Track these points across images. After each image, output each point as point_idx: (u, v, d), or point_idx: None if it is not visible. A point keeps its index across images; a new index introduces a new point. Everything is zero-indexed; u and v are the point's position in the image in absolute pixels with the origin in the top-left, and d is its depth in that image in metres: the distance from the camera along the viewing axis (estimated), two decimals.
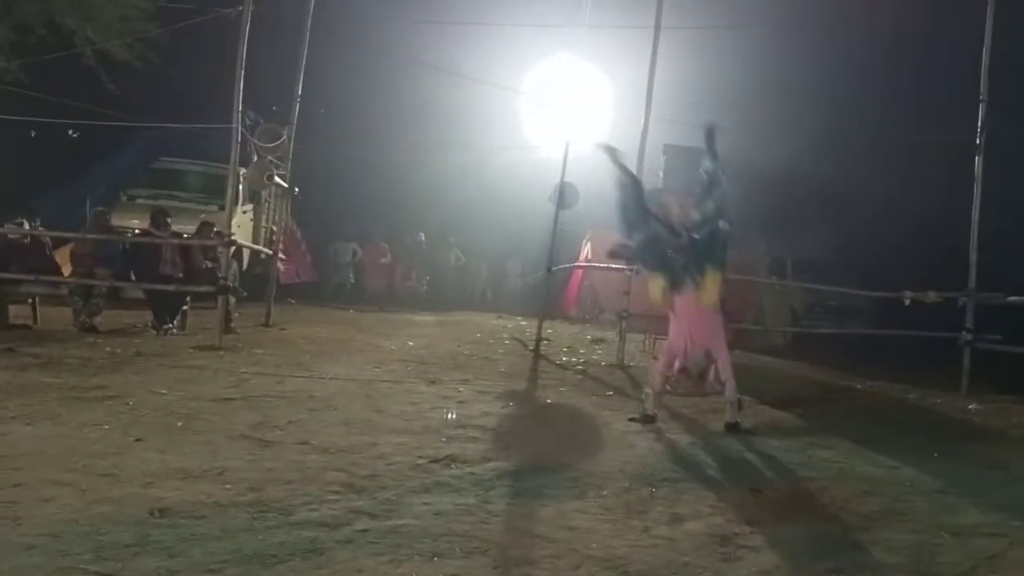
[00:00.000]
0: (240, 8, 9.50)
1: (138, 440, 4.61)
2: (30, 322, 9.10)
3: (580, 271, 15.98)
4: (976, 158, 9.62)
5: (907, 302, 9.67)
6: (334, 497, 3.84)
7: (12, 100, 12.82)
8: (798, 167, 14.56)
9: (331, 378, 7.07)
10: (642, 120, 9.64)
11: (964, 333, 9.31)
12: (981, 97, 9.67)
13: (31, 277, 8.83)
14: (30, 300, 9.30)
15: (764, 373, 9.38)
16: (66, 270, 9.59)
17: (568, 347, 10.82)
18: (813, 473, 4.95)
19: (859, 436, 6.12)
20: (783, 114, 15.87)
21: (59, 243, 10.30)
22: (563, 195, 11.46)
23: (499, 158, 18.88)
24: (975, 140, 9.65)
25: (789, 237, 14.13)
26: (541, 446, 5.31)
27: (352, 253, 18.64)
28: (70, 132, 13.80)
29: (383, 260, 18.69)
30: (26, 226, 9.74)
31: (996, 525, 4.11)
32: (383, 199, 19.96)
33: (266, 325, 10.75)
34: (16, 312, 9.29)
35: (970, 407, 8.03)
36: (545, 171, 14.10)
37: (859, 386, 9.07)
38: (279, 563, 3.02)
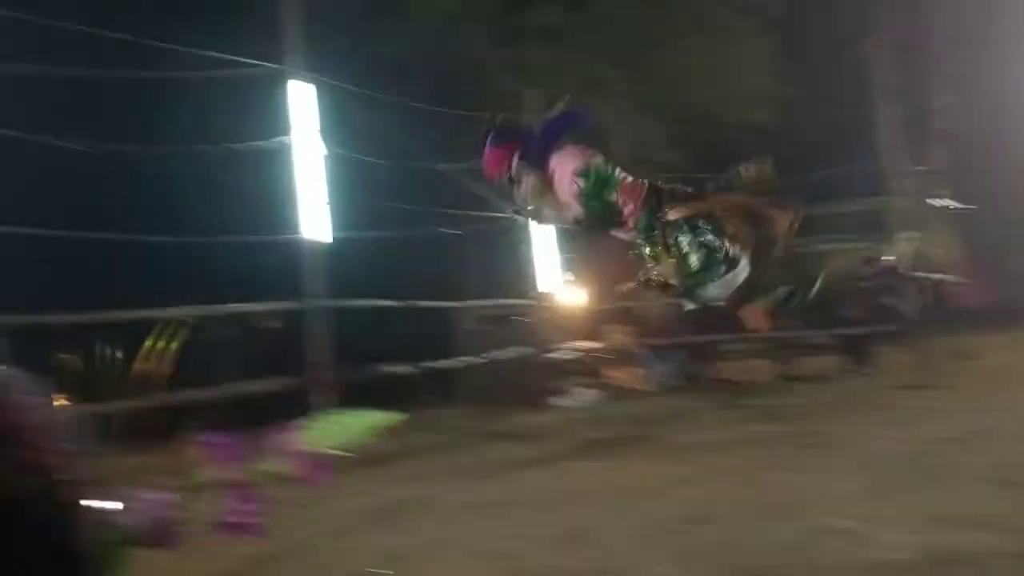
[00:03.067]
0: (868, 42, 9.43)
1: (881, 484, 4.71)
2: (737, 376, 10.18)
3: None
4: None
5: None
6: None
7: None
8: None
9: None
10: None
11: None
12: None
13: (732, 336, 9.92)
14: (728, 356, 10.43)
15: None
16: (760, 325, 10.50)
17: None
18: None
19: None
20: None
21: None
22: None
23: None
24: None
25: None
26: None
27: None
28: None
29: None
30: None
31: None
32: None
33: (958, 356, 10.06)
34: (721, 367, 10.49)
35: None
36: None
37: None
38: None
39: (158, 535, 1.43)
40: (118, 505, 1.27)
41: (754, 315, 9.89)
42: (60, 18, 6.93)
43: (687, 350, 9.91)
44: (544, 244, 10.79)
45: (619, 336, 10.55)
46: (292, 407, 7.19)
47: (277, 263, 8.61)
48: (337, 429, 1.83)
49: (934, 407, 6.89)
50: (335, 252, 8.43)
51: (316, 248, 7.97)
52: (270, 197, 8.52)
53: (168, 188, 9.67)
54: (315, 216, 8.01)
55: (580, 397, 9.25)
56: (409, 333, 9.15)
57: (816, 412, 7.25)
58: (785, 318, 10.01)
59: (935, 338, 10.63)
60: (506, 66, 13.92)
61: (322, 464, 1.69)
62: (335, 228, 8.42)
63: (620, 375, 10.19)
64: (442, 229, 10.50)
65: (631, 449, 6.52)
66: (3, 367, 1.02)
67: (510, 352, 9.43)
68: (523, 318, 10.13)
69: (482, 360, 9.11)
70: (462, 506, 4.90)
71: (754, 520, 4.31)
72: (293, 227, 8.03)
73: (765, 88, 15.24)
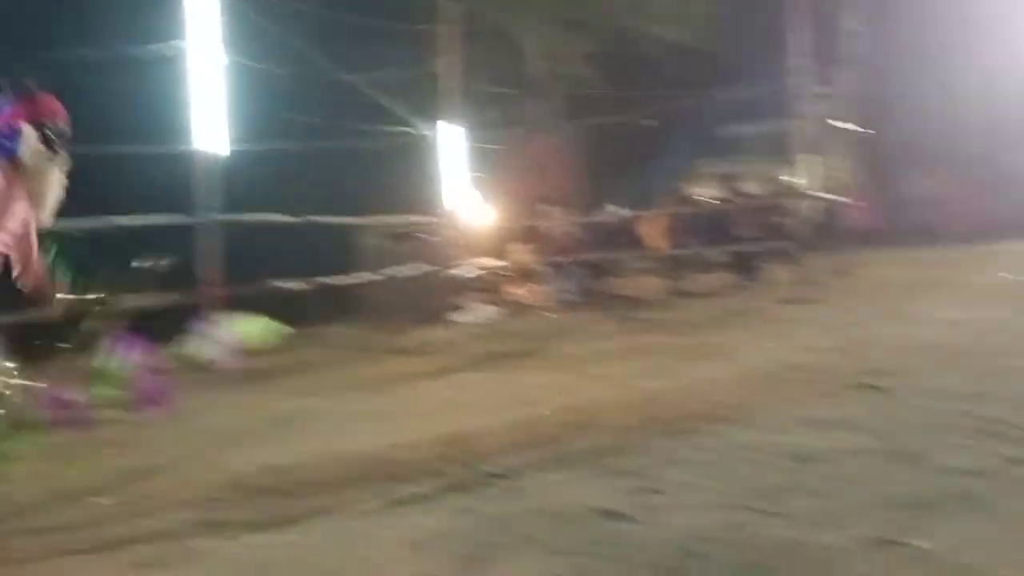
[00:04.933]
0: None
1: (759, 392, 4.89)
2: (633, 292, 10.40)
3: None
4: None
5: None
6: (972, 443, 3.59)
7: (596, 104, 14.75)
8: None
9: (927, 320, 6.62)
10: None
11: None
12: None
13: (628, 254, 10.11)
14: (626, 273, 10.65)
15: None
16: (659, 243, 10.72)
17: None
18: None
19: None
20: None
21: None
22: None
23: None
24: None
25: None
26: None
27: (927, 186, 16.97)
28: (645, 122, 15.31)
29: (954, 189, 16.55)
30: (616, 210, 11.16)
31: None
32: (955, 123, 17.74)
33: (845, 273, 10.51)
34: (619, 284, 10.70)
35: None
36: None
37: None
38: (933, 508, 2.93)
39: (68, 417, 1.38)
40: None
41: (651, 233, 10.08)
42: None
43: (587, 267, 10.04)
44: (451, 161, 10.64)
45: (522, 254, 10.60)
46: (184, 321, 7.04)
47: (170, 175, 8.24)
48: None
49: (812, 319, 7.21)
50: (233, 165, 8.13)
51: (210, 160, 7.64)
52: (164, 106, 8.09)
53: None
54: (211, 127, 7.63)
55: (480, 313, 9.30)
56: (307, 249, 8.95)
57: (702, 325, 7.50)
58: (683, 236, 10.28)
59: (823, 255, 11.09)
60: None
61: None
62: (234, 140, 8.08)
63: (522, 292, 10.28)
64: (345, 143, 10.22)
65: (522, 361, 6.63)
66: None
67: (411, 269, 9.36)
68: (427, 235, 10.03)
69: (382, 277, 9.01)
70: (348, 416, 4.89)
71: (624, 419, 4.42)
72: (187, 138, 7.67)
73: (681, 7, 15.20)
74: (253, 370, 6.53)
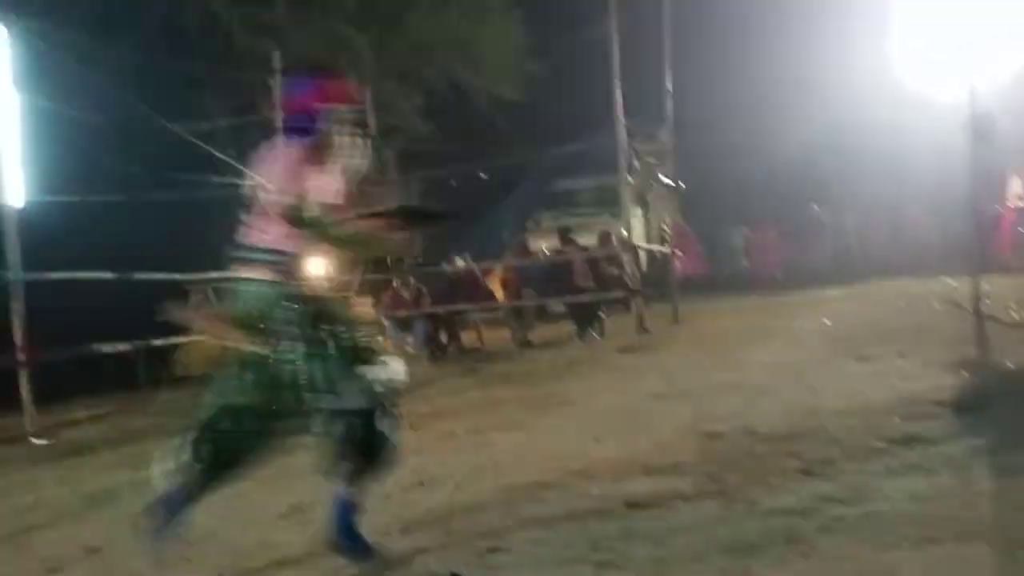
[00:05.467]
0: (605, 26, 10.04)
1: (597, 440, 5.04)
2: (479, 344, 10.48)
3: (1010, 211, 13.86)
4: None
5: None
6: (795, 485, 3.82)
7: (430, 157, 14.95)
8: None
9: (753, 366, 7.05)
10: None
11: None
12: None
13: (474, 306, 10.18)
14: (475, 325, 10.74)
15: None
16: (501, 295, 10.89)
17: (1016, 302, 9.45)
18: None
19: None
20: None
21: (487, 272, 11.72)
22: (983, 126, 10.03)
23: (884, 110, 17.23)
24: None
25: None
26: (1017, 419, 4.73)
27: (742, 237, 18.35)
28: (480, 175, 15.65)
29: (766, 240, 18.04)
30: (461, 262, 11.26)
31: None
32: (770, 176, 19.41)
33: (675, 322, 11.06)
34: (466, 337, 10.77)
35: None
36: (947, 108, 12.56)
37: None
38: (762, 552, 3.09)
39: None
40: None
41: (495, 285, 10.16)
42: None
43: (430, 320, 10.02)
44: None
45: (362, 307, 10.42)
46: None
47: None
48: None
49: (650, 366, 7.50)
50: (41, 219, 7.55)
51: (6, 214, 7.05)
52: None
53: None
54: (7, 177, 7.05)
55: None
56: (130, 308, 8.39)
57: (547, 375, 7.63)
58: (525, 288, 10.50)
59: (654, 305, 11.65)
60: (247, 23, 13.17)
61: None
62: (39, 191, 7.52)
63: None
64: (168, 194, 9.74)
65: None
66: None
67: None
68: None
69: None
70: None
71: (474, 480, 4.44)
72: None
73: (512, 64, 15.75)
74: (74, 441, 6.01)
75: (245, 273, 3.17)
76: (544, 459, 4.74)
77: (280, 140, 3.24)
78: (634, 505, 3.75)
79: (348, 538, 3.17)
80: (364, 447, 3.07)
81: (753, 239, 18.15)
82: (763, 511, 3.51)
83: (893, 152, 17.55)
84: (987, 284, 10.86)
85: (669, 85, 12.13)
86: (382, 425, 3.10)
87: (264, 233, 3.14)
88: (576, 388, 6.84)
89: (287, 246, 3.13)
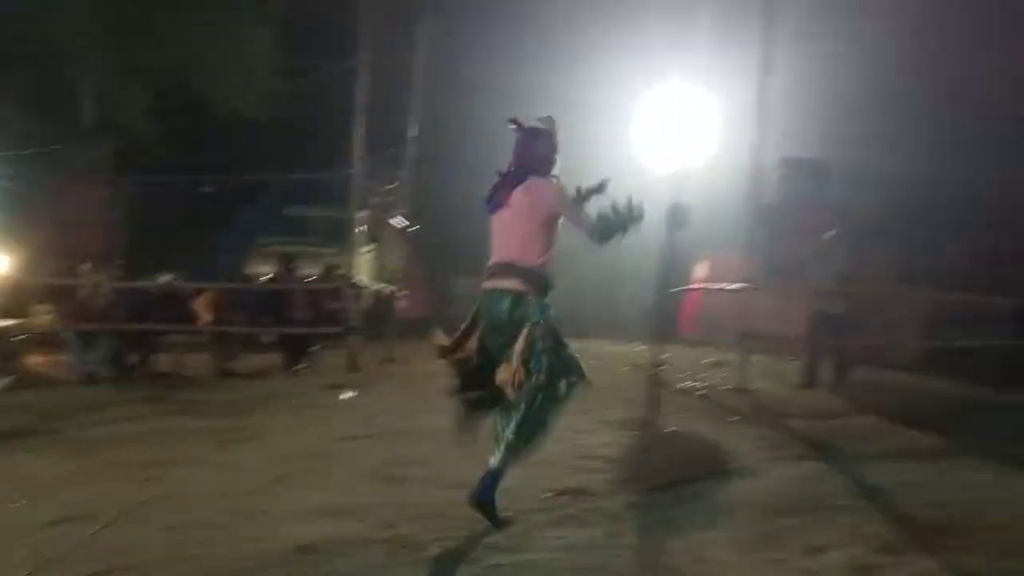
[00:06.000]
0: (356, 59, 10.04)
1: (279, 480, 4.86)
2: (174, 369, 9.73)
3: (697, 292, 15.71)
4: None
5: None
6: (465, 532, 3.93)
7: (152, 163, 13.89)
8: (929, 172, 13.91)
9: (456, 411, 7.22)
10: (752, 135, 9.50)
11: None
12: None
13: (172, 327, 9.46)
14: (173, 349, 9.96)
15: (895, 389, 8.98)
16: (207, 319, 10.22)
17: (688, 371, 10.64)
18: (959, 497, 4.69)
19: (1005, 455, 5.77)
20: (908, 119, 15.27)
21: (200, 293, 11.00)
22: (677, 216, 11.30)
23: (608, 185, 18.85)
24: None
25: (920, 244, 13.52)
26: (667, 476, 5.26)
27: (473, 286, 18.92)
28: (203, 188, 14.76)
29: None
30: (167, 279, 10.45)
31: None
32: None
33: (390, 361, 11.08)
34: (161, 360, 9.95)
35: None
36: (654, 193, 14.06)
37: (998, 400, 8.52)
38: None
39: None
40: None
41: (202, 307, 9.55)
42: None
43: (121, 337, 9.14)
44: None
45: (44, 316, 9.33)
46: None
47: None
48: None
49: (353, 406, 7.42)
50: None
51: None
52: None
53: None
54: None
55: None
56: None
57: (243, 408, 7.26)
58: (236, 313, 9.97)
59: (372, 343, 11.61)
60: None
61: None
62: None
63: (39, 360, 8.99)
64: None
65: (27, 444, 5.76)
66: None
67: None
68: None
69: None
70: None
71: (134, 517, 4.08)
72: None
73: (256, 80, 15.16)
74: None
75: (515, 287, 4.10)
76: (219, 498, 4.48)
77: (538, 179, 4.12)
78: (303, 549, 3.65)
79: (491, 503, 3.92)
80: (532, 421, 3.97)
81: (477, 286, 18.75)
82: (428, 558, 3.58)
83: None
84: (668, 353, 12.23)
85: (413, 131, 12.36)
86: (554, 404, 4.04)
87: (539, 257, 4.08)
88: (270, 424, 6.56)
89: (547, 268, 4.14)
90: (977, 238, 13.58)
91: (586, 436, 6.19)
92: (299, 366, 9.61)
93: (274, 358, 10.06)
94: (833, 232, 9.86)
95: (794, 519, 4.24)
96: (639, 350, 13.58)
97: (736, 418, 7.30)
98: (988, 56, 14.56)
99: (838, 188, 12.29)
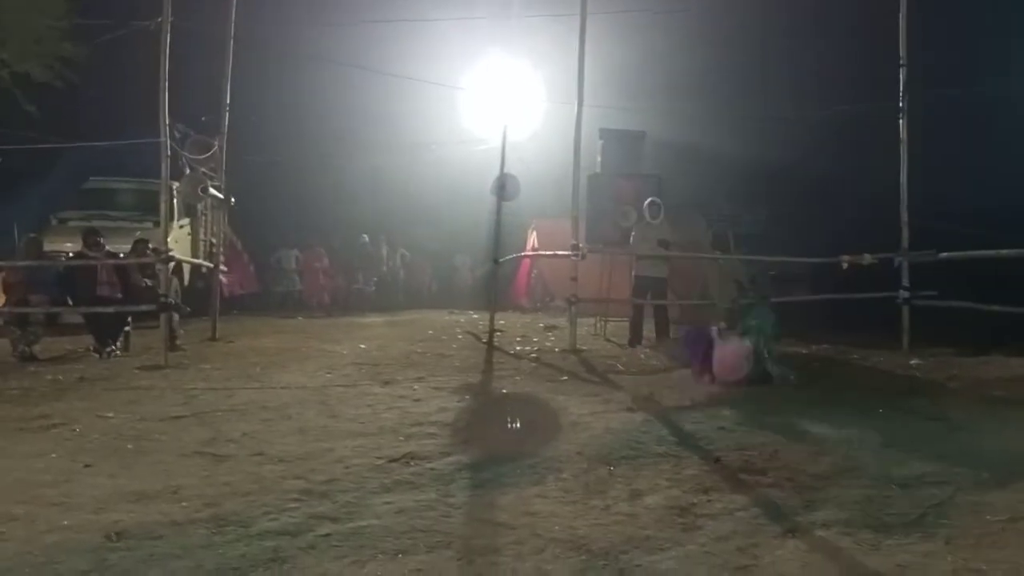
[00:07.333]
0: (159, 19, 9.32)
1: (87, 466, 4.51)
2: None
3: (528, 260, 16.05)
4: (900, 122, 10.01)
5: (845, 266, 10.00)
6: (293, 505, 3.81)
7: None
8: (734, 146, 14.89)
9: (283, 387, 7.00)
10: (575, 107, 9.74)
11: (901, 292, 9.66)
12: (901, 62, 10.04)
13: None
14: None
15: None
16: (0, 300, 9.30)
17: (521, 336, 10.86)
18: (765, 439, 5.07)
19: (807, 399, 6.31)
20: (721, 94, 16.28)
21: None
22: (504, 187, 11.48)
23: (437, 154, 18.82)
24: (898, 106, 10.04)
25: (729, 212, 14.47)
26: (499, 436, 5.35)
27: (295, 260, 18.35)
28: None
29: (318, 264, 18.39)
30: None
31: (941, 474, 4.28)
32: (324, 203, 19.81)
33: (213, 339, 10.55)
34: None
35: (911, 363, 8.33)
36: (485, 165, 14.19)
37: (804, 351, 9.30)
38: (245, 575, 3.00)
39: None
40: None
41: None
42: None
43: None
44: None
45: None
46: None
47: None
48: None
49: (170, 386, 6.99)
50: None
51: None
52: None
53: None
54: None
55: None
56: None
57: (48, 394, 6.67)
58: (34, 294, 9.10)
59: (193, 321, 11.01)
60: None
61: None
62: None
63: None
64: None
65: None
66: None
67: None
68: None
69: None
70: None
71: None
72: None
73: (45, 43, 13.87)
74: None
75: None
76: (17, 488, 4.09)
77: None
78: (115, 535, 3.41)
79: None
80: None
81: (305, 262, 18.25)
82: (254, 534, 3.43)
83: (447, 196, 19.21)
84: (502, 320, 12.46)
85: (227, 98, 11.67)
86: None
87: None
88: (79, 409, 6.06)
89: None
90: (777, 207, 14.77)
91: (421, 404, 6.17)
92: (111, 348, 8.93)
93: (83, 340, 9.31)
94: (650, 200, 10.31)
95: (619, 468, 4.43)
96: (474, 318, 13.75)
97: (566, 377, 7.52)
98: (801, 44, 15.82)
99: (655, 159, 12.86)
